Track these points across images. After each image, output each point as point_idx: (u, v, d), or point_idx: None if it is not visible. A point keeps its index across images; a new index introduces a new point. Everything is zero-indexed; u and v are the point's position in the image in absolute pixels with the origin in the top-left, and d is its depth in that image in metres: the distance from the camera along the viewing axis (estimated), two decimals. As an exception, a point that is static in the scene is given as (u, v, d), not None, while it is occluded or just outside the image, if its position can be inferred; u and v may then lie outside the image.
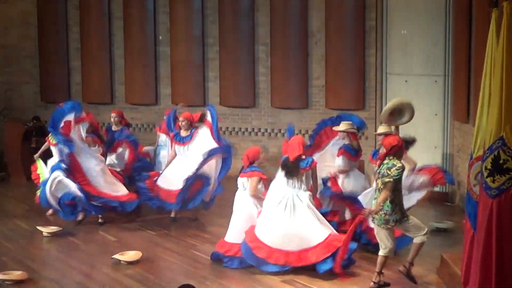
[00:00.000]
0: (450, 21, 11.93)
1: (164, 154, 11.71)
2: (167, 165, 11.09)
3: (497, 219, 6.58)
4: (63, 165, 10.49)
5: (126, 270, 8.89)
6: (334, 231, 8.69)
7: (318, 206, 9.24)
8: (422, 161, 9.77)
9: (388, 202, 7.78)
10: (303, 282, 8.37)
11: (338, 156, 9.87)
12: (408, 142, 9.16)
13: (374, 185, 8.60)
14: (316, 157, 9.59)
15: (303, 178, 8.73)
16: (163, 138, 11.92)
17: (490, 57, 6.99)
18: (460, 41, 11.54)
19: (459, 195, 11.61)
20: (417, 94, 12.06)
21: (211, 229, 10.60)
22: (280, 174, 8.82)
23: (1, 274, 8.49)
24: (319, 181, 9.69)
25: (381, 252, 7.98)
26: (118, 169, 11.43)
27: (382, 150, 8.49)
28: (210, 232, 10.46)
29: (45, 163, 11.25)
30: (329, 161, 10.06)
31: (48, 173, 10.84)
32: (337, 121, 10.19)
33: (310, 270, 8.51)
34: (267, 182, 9.04)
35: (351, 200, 9.44)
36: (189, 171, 10.45)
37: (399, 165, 7.84)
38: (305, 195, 8.71)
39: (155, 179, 10.78)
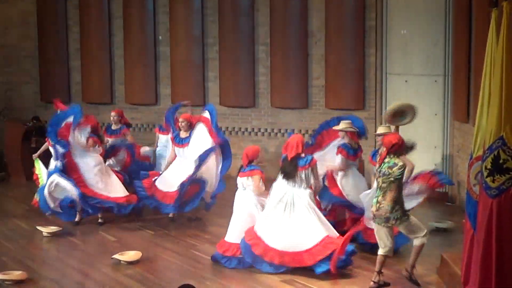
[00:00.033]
0: (450, 21, 11.93)
1: (165, 156, 11.70)
2: (167, 166, 11.09)
3: (497, 219, 6.58)
4: (59, 165, 10.50)
5: (126, 270, 8.89)
6: (333, 231, 8.67)
7: (318, 205, 9.24)
8: (422, 161, 9.76)
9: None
10: (303, 282, 8.37)
11: (336, 154, 9.86)
12: (407, 147, 9.12)
13: (374, 185, 8.60)
14: (316, 156, 9.58)
15: (303, 176, 8.73)
16: (163, 139, 11.93)
17: (490, 57, 6.99)
18: (460, 41, 11.54)
19: (459, 195, 11.60)
20: (417, 94, 12.06)
21: (211, 229, 10.60)
22: (281, 176, 8.83)
23: (1, 274, 8.49)
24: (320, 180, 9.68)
25: (380, 251, 7.98)
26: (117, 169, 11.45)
27: (382, 150, 8.49)
28: (210, 232, 10.46)
29: (46, 163, 11.24)
30: (329, 162, 10.04)
31: (46, 176, 10.84)
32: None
33: (309, 270, 8.51)
34: (266, 182, 9.02)
35: (352, 207, 9.48)
36: (187, 173, 10.44)
37: (401, 164, 7.85)
38: (305, 193, 8.71)
39: (154, 179, 10.77)
